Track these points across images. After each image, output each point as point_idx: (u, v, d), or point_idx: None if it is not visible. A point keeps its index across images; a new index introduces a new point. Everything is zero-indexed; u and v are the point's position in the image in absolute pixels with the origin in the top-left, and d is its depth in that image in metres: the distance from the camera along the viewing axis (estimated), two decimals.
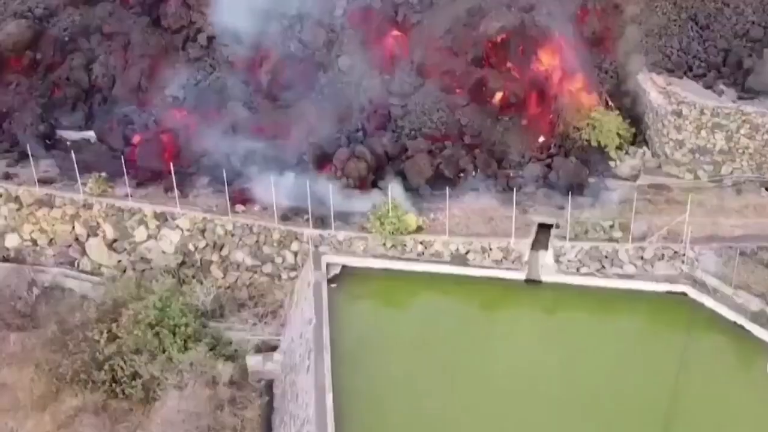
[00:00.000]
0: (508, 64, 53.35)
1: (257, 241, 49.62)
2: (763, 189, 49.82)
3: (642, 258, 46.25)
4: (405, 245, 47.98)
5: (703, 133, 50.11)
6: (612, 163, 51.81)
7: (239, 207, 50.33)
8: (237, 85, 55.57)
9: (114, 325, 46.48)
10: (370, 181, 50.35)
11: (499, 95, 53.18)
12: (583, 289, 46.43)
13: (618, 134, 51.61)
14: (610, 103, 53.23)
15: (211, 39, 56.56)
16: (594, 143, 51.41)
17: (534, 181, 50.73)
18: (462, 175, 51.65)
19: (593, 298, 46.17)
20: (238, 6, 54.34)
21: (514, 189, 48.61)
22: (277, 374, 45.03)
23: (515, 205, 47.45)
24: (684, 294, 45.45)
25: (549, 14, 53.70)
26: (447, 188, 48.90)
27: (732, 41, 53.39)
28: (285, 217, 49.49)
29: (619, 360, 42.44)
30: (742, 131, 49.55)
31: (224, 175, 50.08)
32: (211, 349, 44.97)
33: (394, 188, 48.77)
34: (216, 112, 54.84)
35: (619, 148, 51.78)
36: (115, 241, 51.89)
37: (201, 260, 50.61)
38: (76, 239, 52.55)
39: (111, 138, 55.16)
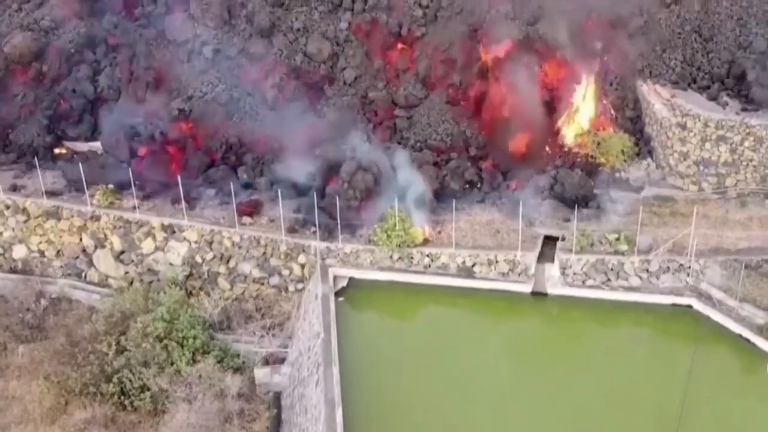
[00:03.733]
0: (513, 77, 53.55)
1: (264, 254, 49.86)
2: (767, 201, 50.02)
3: (647, 271, 46.53)
4: (412, 258, 48.26)
5: (708, 145, 50.35)
6: (617, 175, 51.98)
7: (246, 219, 50.55)
8: (242, 98, 55.74)
9: (122, 337, 46.89)
10: (377, 192, 50.52)
11: (504, 107, 53.39)
12: (588, 302, 46.72)
13: (622, 151, 51.87)
14: (613, 113, 53.50)
15: (216, 51, 56.64)
16: (599, 158, 51.72)
17: (540, 193, 50.87)
18: (468, 187, 51.90)
19: (599, 310, 46.50)
20: None
21: (520, 201, 48.82)
22: (284, 387, 45.25)
23: (521, 218, 47.73)
24: (689, 307, 45.74)
25: (554, 27, 53.78)
26: (453, 200, 49.15)
27: (736, 53, 53.64)
28: (292, 230, 49.75)
29: (625, 372, 42.67)
30: (746, 144, 49.77)
31: (231, 187, 50.43)
32: (219, 362, 45.31)
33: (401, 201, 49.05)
34: (221, 125, 55.05)
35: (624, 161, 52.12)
36: (122, 252, 52.13)
37: (208, 272, 50.85)
38: (84, 251, 52.84)
39: (117, 149, 55.37)
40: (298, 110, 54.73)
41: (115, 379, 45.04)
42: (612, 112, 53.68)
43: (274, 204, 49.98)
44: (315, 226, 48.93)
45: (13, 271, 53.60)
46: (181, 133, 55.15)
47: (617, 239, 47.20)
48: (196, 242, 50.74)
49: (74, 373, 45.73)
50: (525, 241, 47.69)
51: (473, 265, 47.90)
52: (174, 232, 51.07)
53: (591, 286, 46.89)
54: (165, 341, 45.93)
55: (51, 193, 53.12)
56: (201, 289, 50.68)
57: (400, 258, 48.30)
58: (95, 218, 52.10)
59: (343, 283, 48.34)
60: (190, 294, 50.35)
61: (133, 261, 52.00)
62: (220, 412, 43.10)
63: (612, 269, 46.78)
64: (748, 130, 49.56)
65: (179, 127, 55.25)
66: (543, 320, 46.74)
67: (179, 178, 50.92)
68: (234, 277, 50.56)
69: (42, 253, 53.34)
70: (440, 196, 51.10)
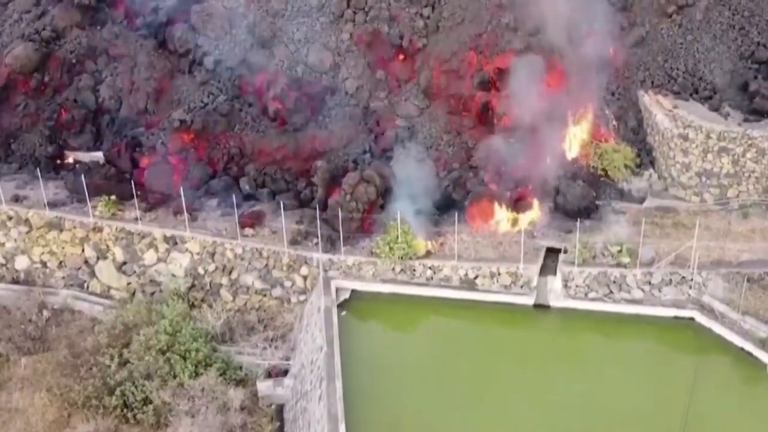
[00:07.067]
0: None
1: (266, 265, 49.91)
2: None
3: (650, 283, 46.59)
4: (414, 270, 48.29)
5: (710, 156, 50.33)
6: (618, 186, 52.00)
7: (248, 230, 50.58)
8: (244, 109, 55.70)
9: (125, 350, 46.94)
10: (379, 204, 50.54)
11: (505, 118, 53.36)
12: (591, 314, 46.84)
13: (625, 165, 51.87)
14: (615, 124, 53.49)
15: (217, 62, 56.62)
16: (600, 171, 51.77)
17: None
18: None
19: (601, 323, 46.61)
20: None
21: (523, 212, 48.84)
22: (287, 399, 45.30)
23: (523, 230, 47.71)
24: (692, 319, 45.82)
25: (556, 37, 53.74)
26: (455, 212, 49.14)
27: (738, 63, 53.61)
28: (294, 241, 49.77)
29: (628, 385, 42.79)
30: (749, 155, 49.73)
31: (233, 198, 50.47)
32: (221, 374, 45.33)
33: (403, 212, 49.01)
34: (223, 136, 55.08)
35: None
36: (124, 263, 52.18)
37: (210, 283, 50.91)
38: (86, 262, 52.87)
39: (119, 160, 55.40)
40: (299, 121, 54.65)
41: (117, 392, 45.10)
42: (614, 122, 53.59)
43: (276, 215, 50.10)
44: (317, 237, 48.98)
45: (15, 282, 53.64)
46: (182, 144, 55.08)
47: (619, 251, 47.26)
48: (198, 254, 50.78)
49: (77, 385, 45.87)
50: (527, 253, 47.66)
51: (476, 278, 47.95)
52: (176, 243, 51.12)
53: (593, 299, 46.98)
54: (168, 354, 45.95)
55: (53, 204, 53.17)
56: (203, 300, 50.73)
57: (402, 270, 48.34)
58: (97, 229, 52.15)
59: (346, 295, 48.37)
60: (192, 305, 50.39)
61: (135, 272, 52.07)
62: (223, 426, 43.11)
63: (614, 282, 46.83)
64: (750, 142, 49.51)
65: (181, 138, 55.17)
66: (545, 333, 46.78)
67: (181, 189, 51.03)
68: (236, 288, 50.62)
69: (44, 264, 53.39)
70: (442, 207, 51.11)
